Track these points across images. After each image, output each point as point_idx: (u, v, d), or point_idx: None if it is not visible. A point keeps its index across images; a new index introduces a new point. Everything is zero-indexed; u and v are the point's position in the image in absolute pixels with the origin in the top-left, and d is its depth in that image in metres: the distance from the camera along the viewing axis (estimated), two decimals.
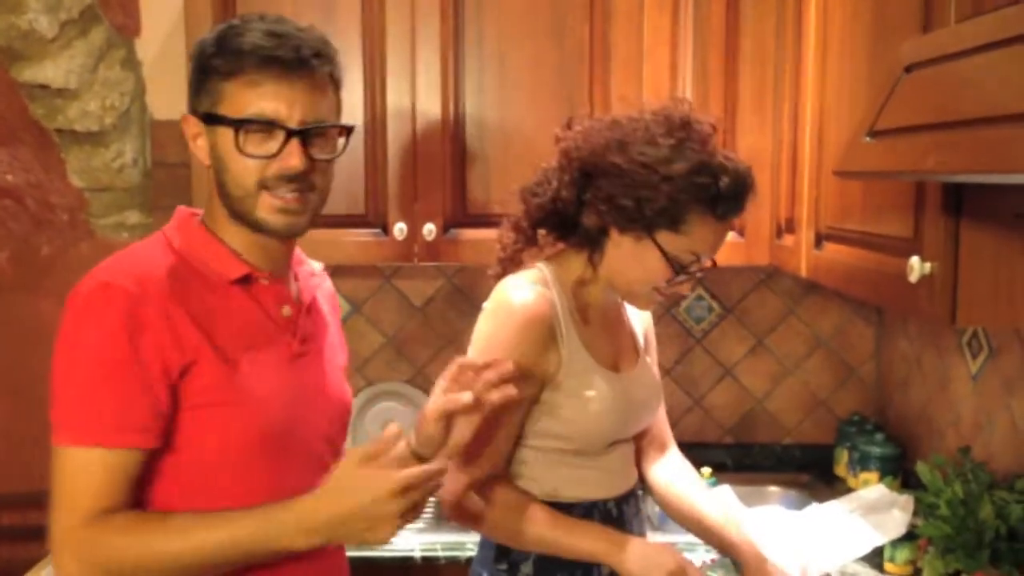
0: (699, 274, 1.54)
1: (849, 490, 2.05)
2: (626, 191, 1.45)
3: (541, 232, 1.60)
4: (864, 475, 2.23)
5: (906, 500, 1.84)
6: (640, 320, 1.72)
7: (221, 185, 1.26)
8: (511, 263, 1.61)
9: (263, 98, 1.21)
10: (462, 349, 1.53)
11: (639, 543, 1.49)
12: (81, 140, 2.38)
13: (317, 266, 1.49)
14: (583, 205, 1.50)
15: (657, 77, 2.16)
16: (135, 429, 1.18)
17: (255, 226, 1.27)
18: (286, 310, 1.32)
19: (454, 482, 1.49)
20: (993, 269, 1.27)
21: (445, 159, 2.17)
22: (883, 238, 1.49)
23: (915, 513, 1.78)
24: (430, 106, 2.16)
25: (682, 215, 1.45)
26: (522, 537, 1.51)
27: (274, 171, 1.23)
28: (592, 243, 1.54)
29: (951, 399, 2.07)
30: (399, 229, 2.16)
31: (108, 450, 1.16)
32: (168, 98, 2.42)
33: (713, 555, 1.80)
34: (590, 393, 1.53)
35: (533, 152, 2.16)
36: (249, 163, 1.22)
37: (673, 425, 2.52)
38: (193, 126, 1.28)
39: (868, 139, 1.20)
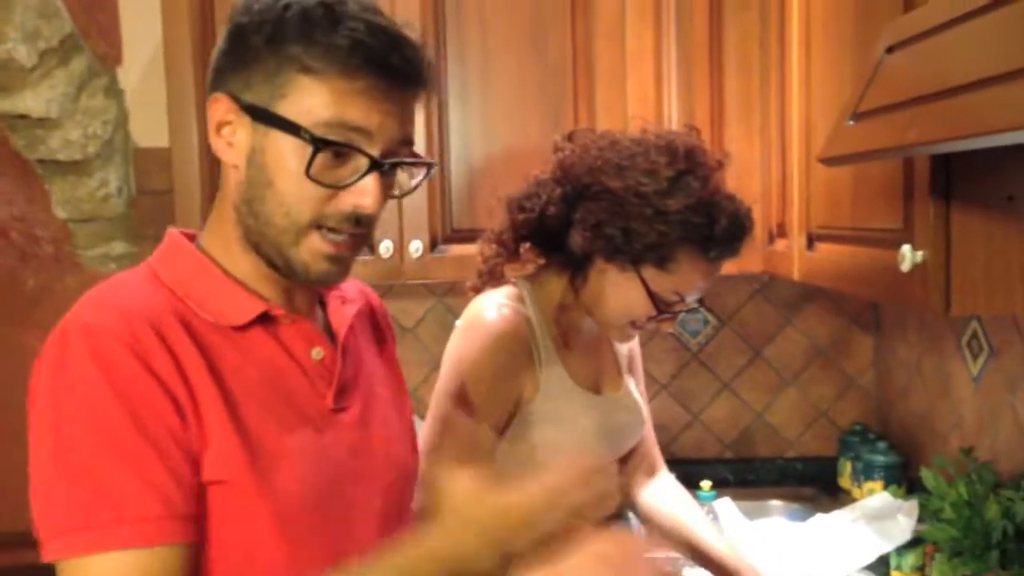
0: (682, 314, 1.46)
1: (854, 501, 1.99)
2: (616, 220, 1.36)
3: (525, 247, 1.51)
4: (868, 485, 2.18)
5: (910, 506, 1.79)
6: None
7: (251, 203, 0.94)
8: (491, 277, 1.53)
9: (353, 112, 0.91)
10: None
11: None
12: (64, 170, 2.36)
13: (349, 288, 1.13)
14: (570, 225, 1.42)
15: (642, 89, 2.14)
16: (175, 515, 0.87)
17: (285, 270, 0.97)
18: (317, 352, 1.01)
19: None
20: (986, 254, 1.24)
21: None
22: (874, 231, 1.45)
23: (921, 520, 1.74)
24: None
25: (672, 254, 1.37)
26: None
27: (341, 207, 0.93)
28: (576, 266, 1.46)
29: (953, 403, 2.03)
30: (385, 247, 2.13)
31: (145, 550, 0.85)
32: (151, 125, 2.38)
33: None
34: (570, 418, 1.45)
35: (518, 166, 2.15)
36: (310, 190, 0.91)
37: (672, 441, 2.51)
38: (227, 112, 0.94)
39: (851, 123, 1.17)
